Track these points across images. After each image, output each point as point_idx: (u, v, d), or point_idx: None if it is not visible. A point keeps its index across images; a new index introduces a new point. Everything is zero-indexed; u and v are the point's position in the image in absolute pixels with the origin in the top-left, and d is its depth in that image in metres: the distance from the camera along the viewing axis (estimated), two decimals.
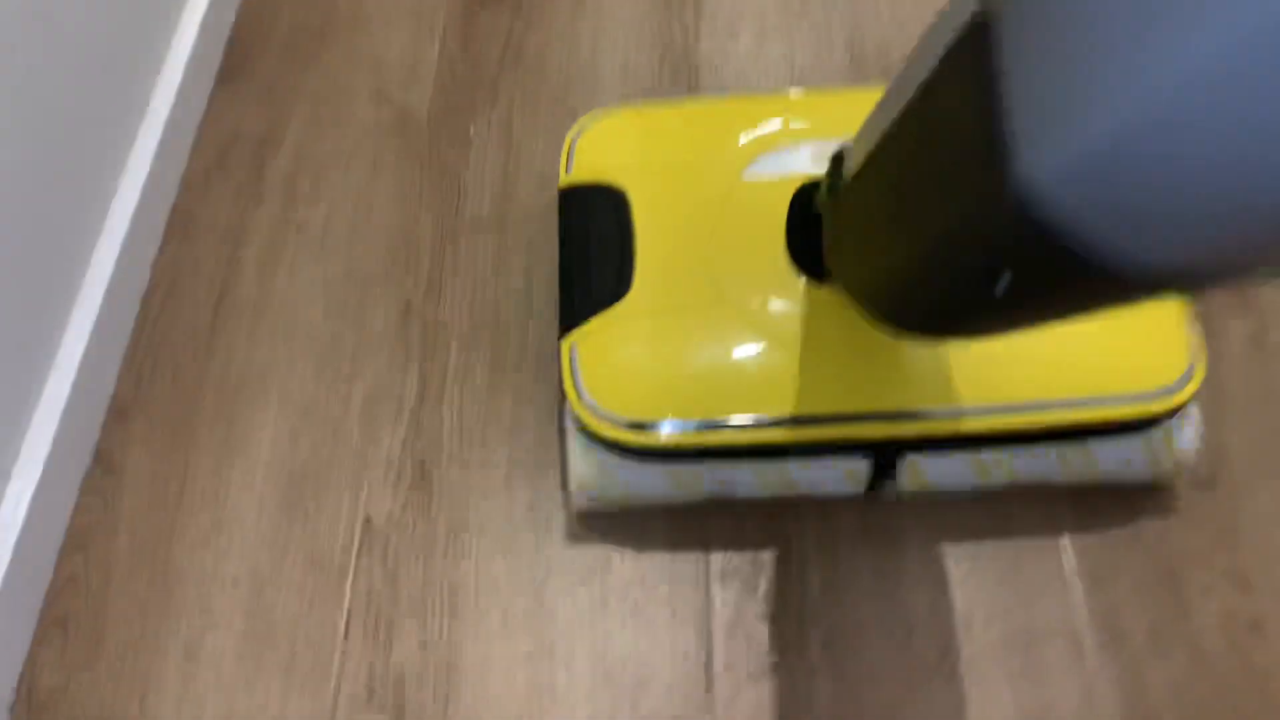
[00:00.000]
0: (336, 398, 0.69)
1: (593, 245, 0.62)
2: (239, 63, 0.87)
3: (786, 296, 0.59)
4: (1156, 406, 0.57)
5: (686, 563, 0.63)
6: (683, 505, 0.63)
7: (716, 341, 0.59)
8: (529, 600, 0.62)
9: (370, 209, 0.78)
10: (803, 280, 0.59)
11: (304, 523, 0.65)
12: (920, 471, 0.60)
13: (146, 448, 0.67)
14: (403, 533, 0.64)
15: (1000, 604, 0.61)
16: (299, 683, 0.59)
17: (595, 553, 0.63)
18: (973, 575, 0.62)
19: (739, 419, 0.57)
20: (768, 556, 0.63)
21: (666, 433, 0.57)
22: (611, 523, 0.64)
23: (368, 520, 0.65)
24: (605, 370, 0.58)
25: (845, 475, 0.60)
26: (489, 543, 0.64)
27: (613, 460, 0.59)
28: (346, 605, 0.62)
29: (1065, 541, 0.63)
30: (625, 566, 0.63)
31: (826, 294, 0.58)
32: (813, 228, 0.58)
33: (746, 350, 0.58)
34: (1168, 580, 0.61)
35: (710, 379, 0.58)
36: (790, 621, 0.61)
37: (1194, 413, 0.61)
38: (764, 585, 0.62)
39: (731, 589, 0.62)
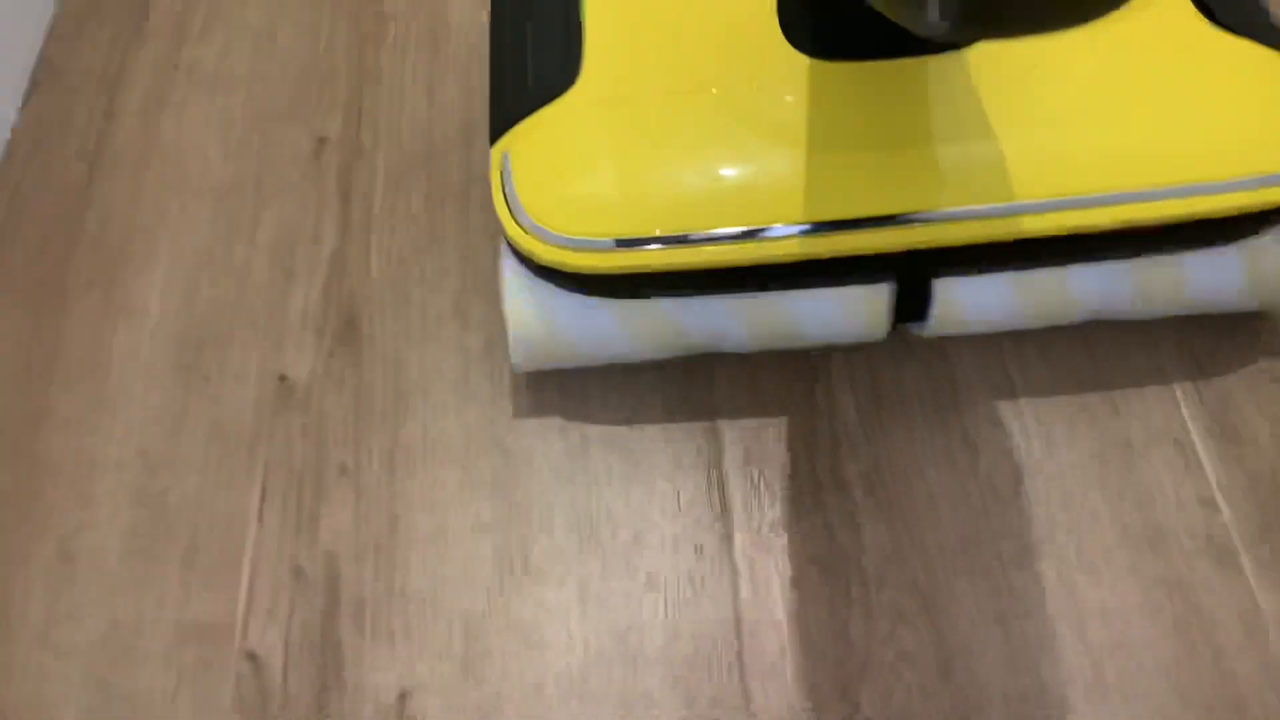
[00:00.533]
0: (239, 246, 0.56)
1: (530, 29, 0.49)
2: None
3: (780, 77, 0.45)
4: (1264, 197, 0.43)
5: (685, 396, 0.50)
6: (652, 363, 0.50)
7: (690, 133, 0.45)
8: (492, 458, 0.49)
9: (274, 41, 0.65)
10: (802, 58, 0.45)
11: (204, 390, 0.51)
12: (957, 300, 0.46)
13: (7, 323, 0.54)
14: (328, 392, 0.51)
15: (1086, 412, 0.48)
16: (203, 577, 0.46)
17: (570, 396, 0.50)
18: (1049, 383, 0.49)
19: (719, 232, 0.43)
20: (787, 382, 0.50)
21: (625, 252, 0.43)
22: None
23: (283, 379, 0.52)
24: (545, 177, 0.44)
25: (862, 309, 0.46)
26: (438, 395, 0.51)
27: (558, 298, 0.46)
28: (261, 480, 0.49)
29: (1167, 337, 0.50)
30: (608, 408, 0.50)
31: (834, 72, 0.45)
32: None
33: (729, 142, 0.44)
34: None
35: (681, 181, 0.44)
36: (822, 457, 0.48)
37: None
38: (784, 417, 0.49)
39: (744, 424, 0.49)
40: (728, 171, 0.44)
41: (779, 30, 0.46)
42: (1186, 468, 0.47)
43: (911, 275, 0.45)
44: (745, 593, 0.45)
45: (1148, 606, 0.44)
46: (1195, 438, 0.47)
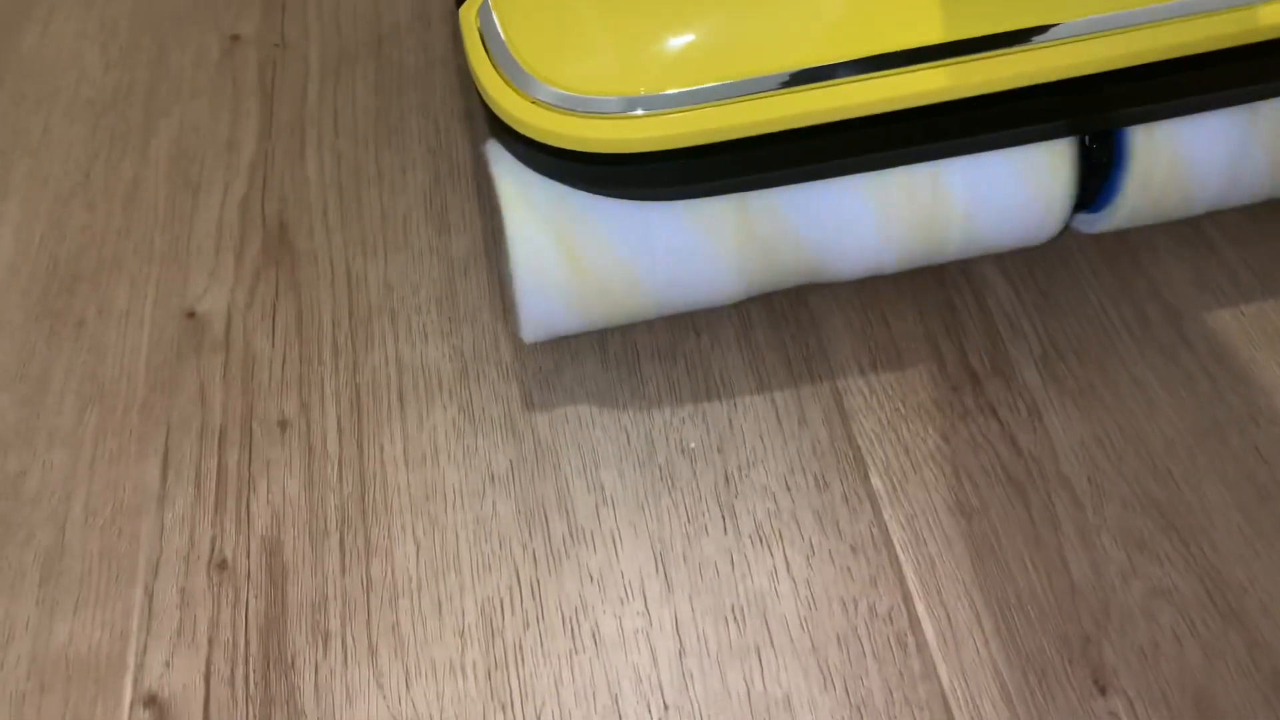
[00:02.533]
0: (125, 163, 0.41)
1: None
2: None
3: None
4: None
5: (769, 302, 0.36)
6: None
7: None
8: (500, 388, 0.34)
9: None
10: None
11: (76, 340, 0.36)
12: (1179, 147, 0.31)
13: None
14: (256, 326, 0.36)
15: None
16: (73, 592, 0.30)
17: None
18: (1257, 234, 0.36)
19: (809, 67, 0.28)
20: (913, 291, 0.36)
21: (683, 112, 0.27)
22: None
23: (191, 316, 0.36)
24: (550, 18, 0.30)
25: (1033, 182, 0.31)
26: (414, 315, 0.36)
27: (576, 207, 0.30)
28: (162, 449, 0.33)
29: None
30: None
31: None
32: None
33: None
34: None
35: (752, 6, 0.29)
36: (974, 348, 0.34)
37: None
38: (911, 313, 0.35)
39: (858, 335, 0.35)
40: None
41: None
42: None
43: (1091, 123, 0.30)
44: (901, 538, 0.30)
45: None
46: None
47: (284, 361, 0.35)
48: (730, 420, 0.33)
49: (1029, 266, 0.35)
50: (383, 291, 0.36)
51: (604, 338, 0.35)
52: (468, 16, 0.31)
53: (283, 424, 0.33)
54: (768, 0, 0.29)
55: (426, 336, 0.35)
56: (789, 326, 0.35)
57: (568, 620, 0.29)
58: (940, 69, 0.28)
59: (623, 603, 0.29)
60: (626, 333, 0.35)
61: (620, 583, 0.29)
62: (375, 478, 0.32)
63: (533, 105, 0.28)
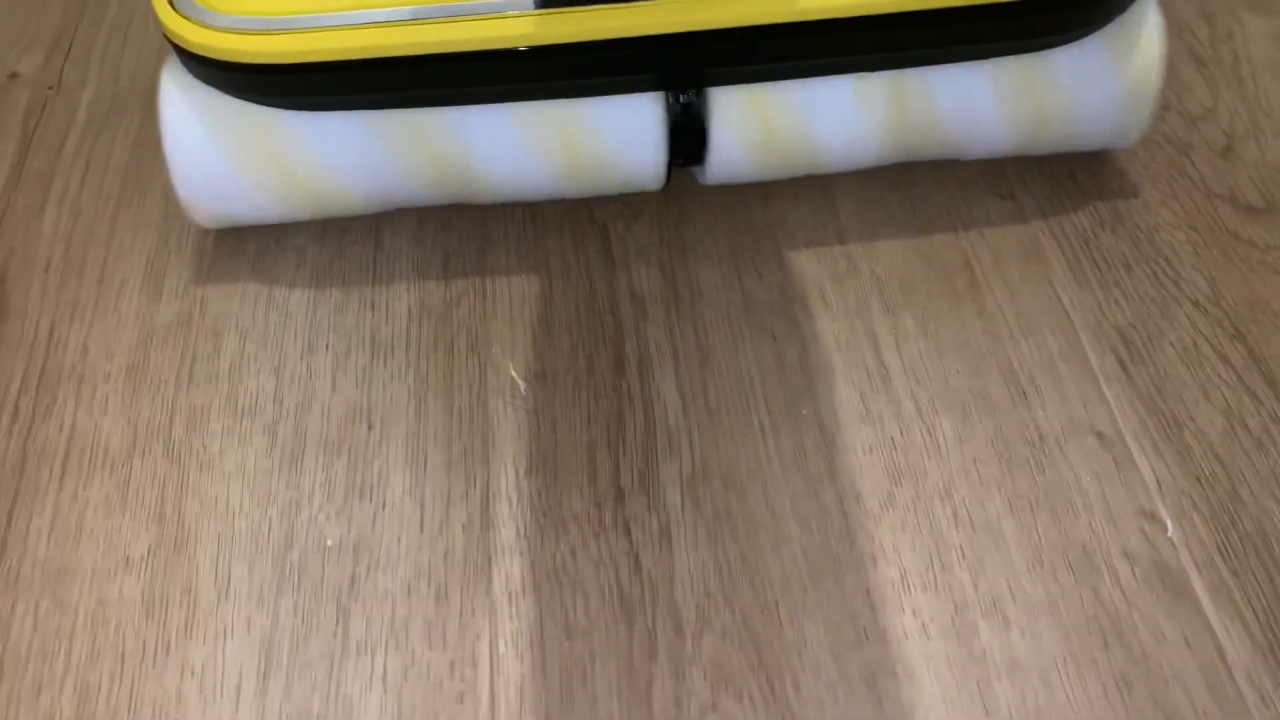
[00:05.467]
0: None
1: None
2: None
3: None
4: None
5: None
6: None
7: None
8: (164, 466, 0.34)
9: None
10: None
11: None
12: (753, 110, 0.37)
13: None
14: None
15: (982, 399, 0.36)
16: None
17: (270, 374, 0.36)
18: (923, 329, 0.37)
19: (431, 6, 0.34)
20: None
21: (299, 34, 0.33)
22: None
23: None
24: None
25: (626, 130, 0.37)
26: (99, 384, 0.36)
27: (230, 109, 0.36)
28: None
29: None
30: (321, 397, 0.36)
31: None
32: None
33: None
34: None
35: None
36: (627, 444, 0.34)
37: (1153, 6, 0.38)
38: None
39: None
40: None
41: None
42: (1117, 468, 0.34)
43: (682, 81, 0.36)
44: (501, 656, 0.31)
45: (1075, 656, 0.30)
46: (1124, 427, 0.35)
47: None
48: (375, 518, 0.33)
49: (703, 382, 0.36)
50: (78, 356, 0.37)
51: (275, 424, 0.35)
52: None
53: None
54: None
55: (107, 406, 0.36)
56: (462, 423, 0.35)
57: (157, 716, 0.30)
58: (533, 17, 0.33)
59: (213, 701, 0.30)
60: (299, 421, 0.35)
61: (219, 680, 0.30)
62: (16, 548, 0.33)
63: (185, 20, 0.34)
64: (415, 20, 0.33)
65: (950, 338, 0.37)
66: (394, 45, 0.33)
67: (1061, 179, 0.42)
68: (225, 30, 0.33)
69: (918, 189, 0.42)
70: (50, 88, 0.46)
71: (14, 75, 0.46)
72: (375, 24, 0.33)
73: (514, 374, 0.36)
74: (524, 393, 0.36)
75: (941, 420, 0.35)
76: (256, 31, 0.33)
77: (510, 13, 0.33)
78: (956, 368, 0.37)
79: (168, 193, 0.41)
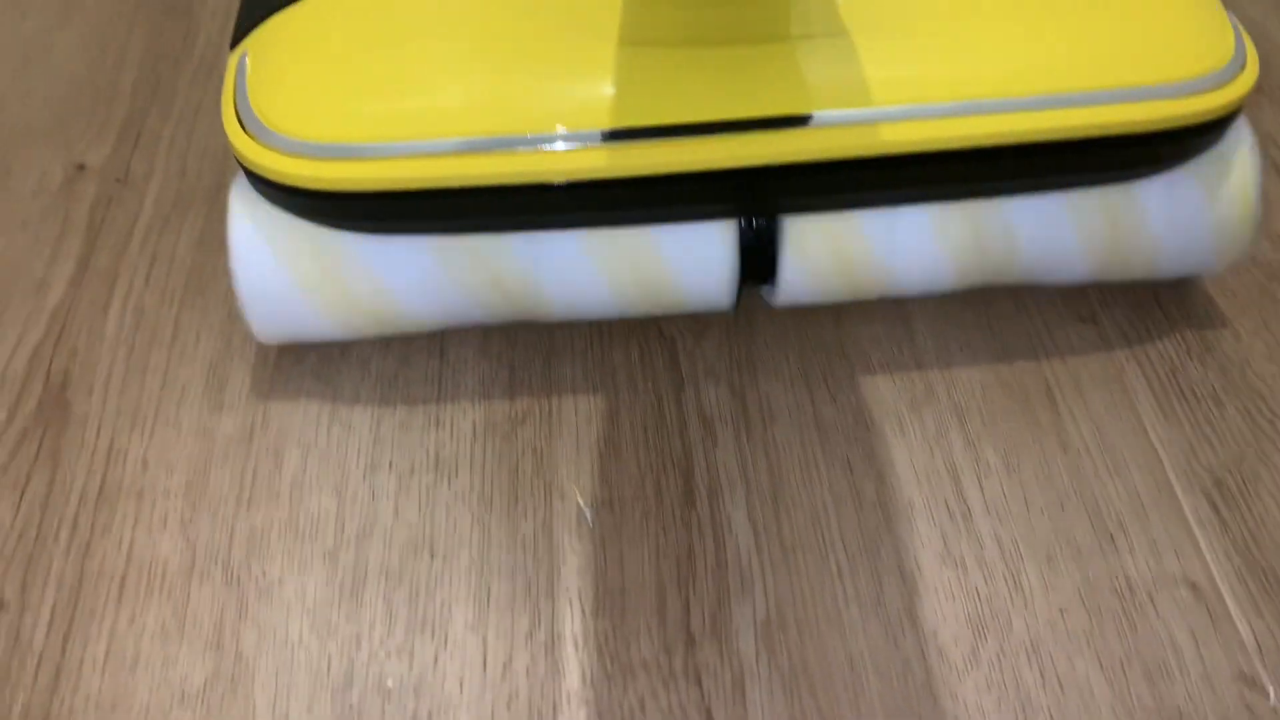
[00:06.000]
0: None
1: None
2: None
3: None
4: (1206, 103, 0.34)
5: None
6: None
7: (475, 21, 0.34)
8: (218, 589, 0.34)
9: (49, 55, 0.52)
10: None
11: None
12: (827, 239, 0.36)
13: None
14: (3, 496, 0.36)
15: (1068, 544, 0.34)
16: None
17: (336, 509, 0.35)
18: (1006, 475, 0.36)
19: (490, 139, 0.32)
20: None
21: (375, 160, 0.32)
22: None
23: None
24: (284, 72, 0.34)
25: (698, 257, 0.36)
26: (159, 500, 0.36)
27: (296, 231, 0.35)
28: None
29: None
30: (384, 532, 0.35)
31: None
32: None
33: (527, 35, 0.34)
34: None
35: (461, 77, 0.33)
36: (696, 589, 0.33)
37: (1248, 136, 0.37)
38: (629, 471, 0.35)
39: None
40: (504, 64, 0.34)
41: None
42: (1213, 625, 0.32)
43: (755, 210, 0.35)
44: None
45: None
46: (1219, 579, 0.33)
47: (19, 537, 0.35)
48: (437, 657, 0.32)
49: (777, 515, 0.35)
50: (138, 469, 0.36)
51: (336, 550, 0.34)
52: (231, 63, 0.36)
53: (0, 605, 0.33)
54: (473, 64, 0.34)
55: (166, 525, 0.35)
56: (526, 554, 0.34)
57: None
58: (608, 150, 0.32)
59: None
60: (360, 547, 0.34)
61: None
62: (70, 678, 0.32)
63: (253, 142, 0.33)
64: (486, 151, 0.32)
65: (1033, 473, 0.36)
66: (464, 176, 0.32)
67: (1145, 303, 0.41)
68: (293, 155, 0.33)
69: (995, 309, 0.41)
70: (117, 180, 0.46)
71: (81, 167, 0.46)
72: (445, 154, 0.32)
73: (580, 501, 0.35)
74: (590, 522, 0.35)
75: (1026, 565, 0.34)
76: (324, 158, 0.32)
77: (581, 145, 0.32)
78: (1040, 506, 0.35)
79: (231, 295, 0.41)
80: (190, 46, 0.52)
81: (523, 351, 0.40)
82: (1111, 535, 0.34)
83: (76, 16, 0.54)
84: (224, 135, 0.47)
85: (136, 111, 0.49)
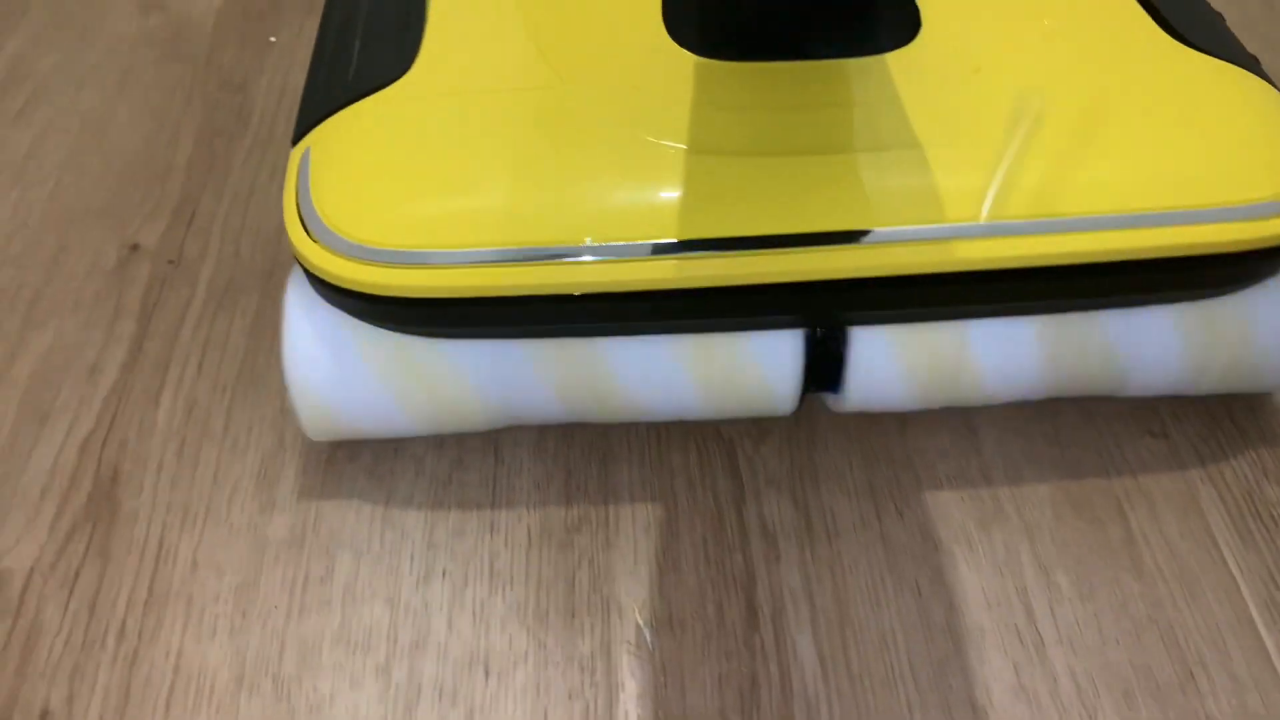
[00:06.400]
0: None
1: (362, 25, 0.38)
2: None
3: (659, 75, 0.35)
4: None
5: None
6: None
7: (538, 129, 0.34)
8: (267, 703, 0.33)
9: (105, 130, 0.52)
10: (689, 55, 0.36)
11: None
12: (896, 350, 0.35)
13: None
14: (51, 595, 0.35)
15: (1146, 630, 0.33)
16: None
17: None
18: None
19: (559, 248, 0.32)
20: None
21: (441, 268, 0.31)
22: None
23: None
24: (348, 173, 0.33)
25: (763, 365, 0.35)
26: (208, 606, 0.35)
27: (354, 332, 0.34)
28: None
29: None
30: (447, 631, 0.34)
31: (728, 72, 0.35)
32: None
33: (592, 144, 0.34)
34: None
35: (520, 181, 0.33)
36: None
37: None
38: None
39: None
40: (577, 174, 0.33)
41: (662, 25, 0.37)
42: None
43: (823, 320, 0.35)
44: None
45: None
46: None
47: (67, 640, 0.34)
48: None
49: (844, 641, 0.34)
50: (187, 571, 0.36)
51: (388, 664, 0.33)
52: (294, 158, 0.35)
53: (44, 715, 0.32)
54: (547, 172, 0.33)
55: (215, 632, 0.34)
56: (584, 676, 0.33)
57: None
58: (680, 260, 0.32)
59: None
60: (413, 662, 0.33)
61: None
62: None
63: (313, 243, 0.32)
64: (552, 260, 0.32)
65: (1107, 601, 0.35)
66: (530, 284, 0.32)
67: (1218, 417, 0.40)
68: (357, 260, 0.32)
69: (1063, 420, 0.40)
70: (170, 262, 0.45)
71: (135, 247, 0.46)
72: (511, 262, 0.32)
73: (639, 619, 0.34)
74: (650, 643, 0.34)
75: (1103, 702, 0.32)
76: (388, 264, 0.32)
77: (645, 256, 0.32)
78: (1116, 638, 0.34)
79: (283, 389, 0.40)
80: (245, 122, 0.52)
81: (579, 452, 0.39)
82: (1190, 671, 0.33)
83: (132, 88, 0.54)
84: (276, 216, 0.47)
85: (191, 190, 0.49)
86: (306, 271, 0.34)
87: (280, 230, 0.47)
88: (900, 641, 0.34)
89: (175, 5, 0.60)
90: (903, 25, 0.37)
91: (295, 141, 0.36)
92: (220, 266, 0.45)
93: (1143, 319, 0.35)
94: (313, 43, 0.56)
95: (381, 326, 0.34)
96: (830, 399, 0.38)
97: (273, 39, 0.57)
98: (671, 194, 0.32)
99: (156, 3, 0.60)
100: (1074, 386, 0.37)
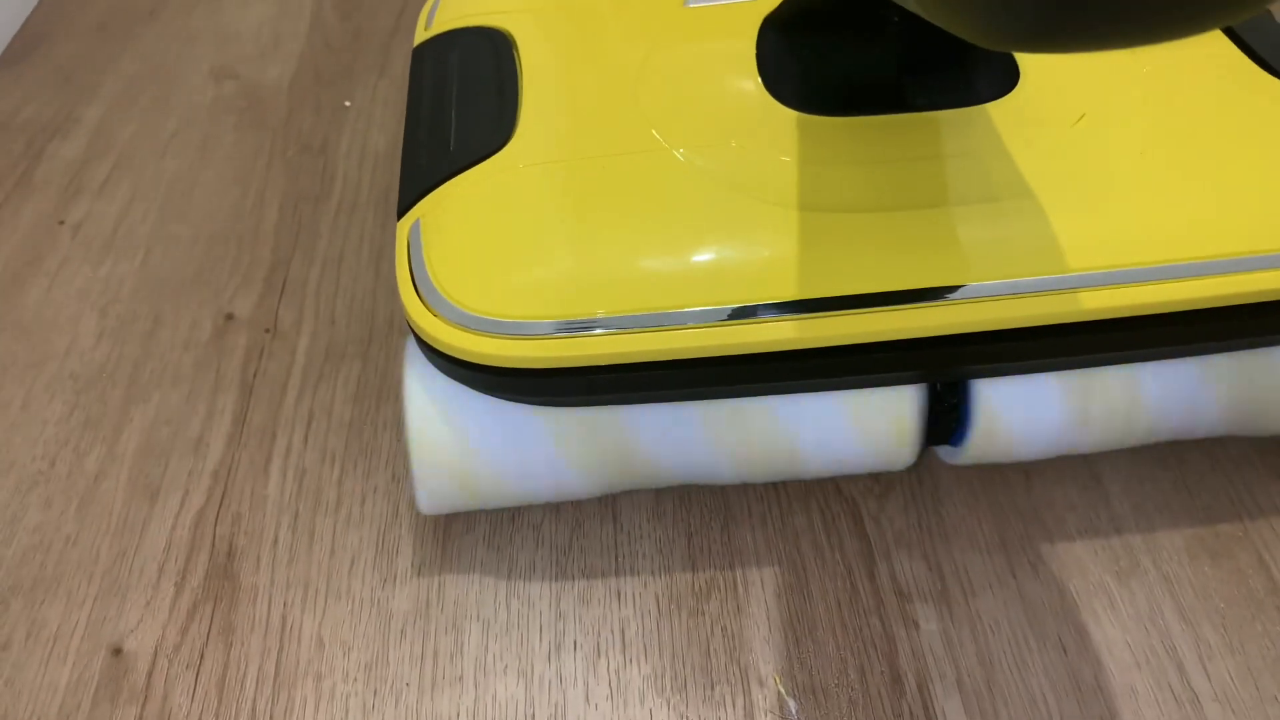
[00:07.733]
0: (92, 455, 0.41)
1: (455, 94, 0.38)
2: (27, 47, 0.63)
3: (762, 133, 0.35)
4: None
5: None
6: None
7: (649, 193, 0.33)
8: None
9: (189, 200, 0.52)
10: (790, 112, 0.35)
11: None
12: (1004, 409, 0.35)
13: None
14: (179, 676, 0.34)
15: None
16: None
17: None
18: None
19: (685, 311, 0.31)
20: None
21: (564, 337, 0.31)
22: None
23: (117, 653, 0.35)
24: (464, 244, 0.33)
25: (882, 422, 0.34)
26: (338, 684, 0.34)
27: (476, 406, 0.34)
28: None
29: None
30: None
31: (830, 127, 0.35)
32: (800, 48, 0.37)
33: (696, 204, 0.33)
34: None
35: (637, 249, 0.32)
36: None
37: None
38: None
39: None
40: (693, 237, 0.32)
41: (760, 83, 0.36)
42: None
43: (942, 375, 0.34)
44: None
45: None
46: None
47: None
48: None
49: (994, 708, 0.33)
50: (313, 648, 0.35)
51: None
52: (403, 230, 0.34)
53: None
54: (663, 238, 0.32)
55: (348, 712, 0.33)
56: None
57: None
58: (798, 321, 0.31)
59: None
60: None
61: None
62: None
63: (434, 317, 0.32)
64: (674, 326, 0.31)
65: (1259, 654, 0.34)
66: (655, 350, 0.31)
67: None
68: (474, 332, 0.31)
69: (1189, 466, 0.39)
70: (267, 330, 0.45)
71: (230, 317, 0.46)
72: (634, 330, 0.31)
73: (780, 688, 0.33)
74: (795, 714, 0.33)
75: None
76: (507, 335, 0.31)
77: (766, 318, 0.31)
78: (1273, 694, 0.33)
79: (394, 457, 0.40)
80: (329, 186, 0.52)
81: (698, 515, 0.38)
82: None
83: (213, 155, 0.54)
84: (370, 281, 0.47)
85: (281, 256, 0.49)
86: (423, 344, 0.33)
87: (375, 296, 0.47)
88: (1052, 704, 0.33)
89: (247, 73, 0.60)
90: (1002, 74, 0.37)
91: (401, 214, 0.35)
92: (318, 334, 0.45)
93: (1264, 361, 0.35)
94: (387, 105, 0.57)
95: (507, 398, 0.33)
96: (947, 452, 0.38)
97: (347, 103, 0.57)
98: (790, 252, 0.32)
99: (229, 71, 0.60)
100: (1181, 432, 0.36)
